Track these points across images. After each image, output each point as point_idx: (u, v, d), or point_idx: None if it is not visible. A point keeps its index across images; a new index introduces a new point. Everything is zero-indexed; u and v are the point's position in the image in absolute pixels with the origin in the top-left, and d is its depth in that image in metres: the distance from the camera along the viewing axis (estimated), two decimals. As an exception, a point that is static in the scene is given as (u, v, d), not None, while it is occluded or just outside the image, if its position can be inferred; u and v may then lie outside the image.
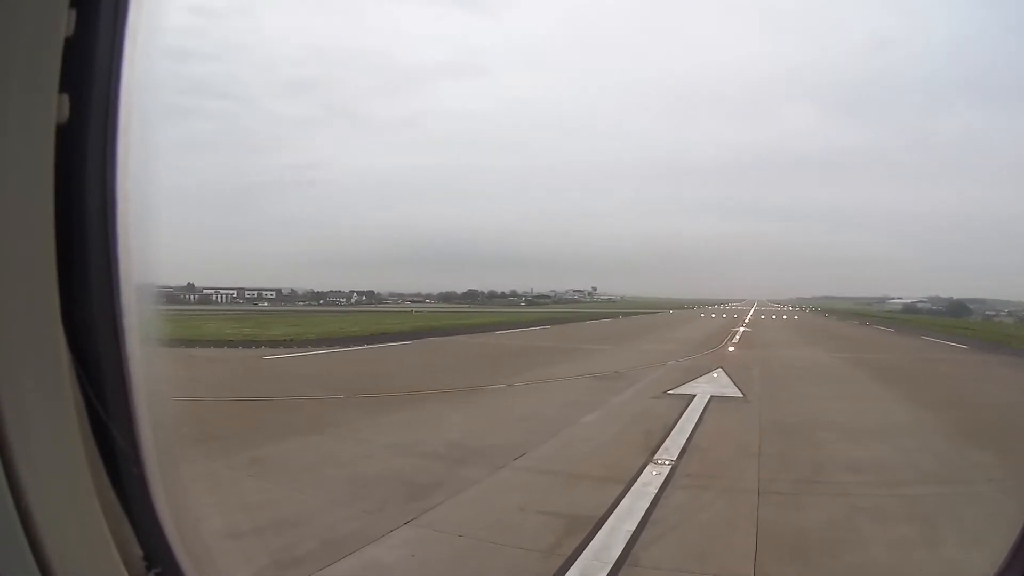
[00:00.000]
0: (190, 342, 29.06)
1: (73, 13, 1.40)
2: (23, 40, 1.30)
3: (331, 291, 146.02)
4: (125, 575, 1.58)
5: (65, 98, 1.41)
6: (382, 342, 32.50)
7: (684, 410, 13.43)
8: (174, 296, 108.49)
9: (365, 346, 30.56)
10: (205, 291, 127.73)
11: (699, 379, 18.51)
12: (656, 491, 8.02)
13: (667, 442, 10.59)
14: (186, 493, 2.63)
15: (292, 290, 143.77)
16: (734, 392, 16.30)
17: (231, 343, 29.88)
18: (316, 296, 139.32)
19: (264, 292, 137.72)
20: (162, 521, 1.70)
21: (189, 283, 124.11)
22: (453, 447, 10.51)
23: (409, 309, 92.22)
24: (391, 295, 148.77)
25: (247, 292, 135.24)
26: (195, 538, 2.00)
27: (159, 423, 1.72)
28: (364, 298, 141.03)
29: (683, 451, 10.05)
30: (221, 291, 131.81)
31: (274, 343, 30.05)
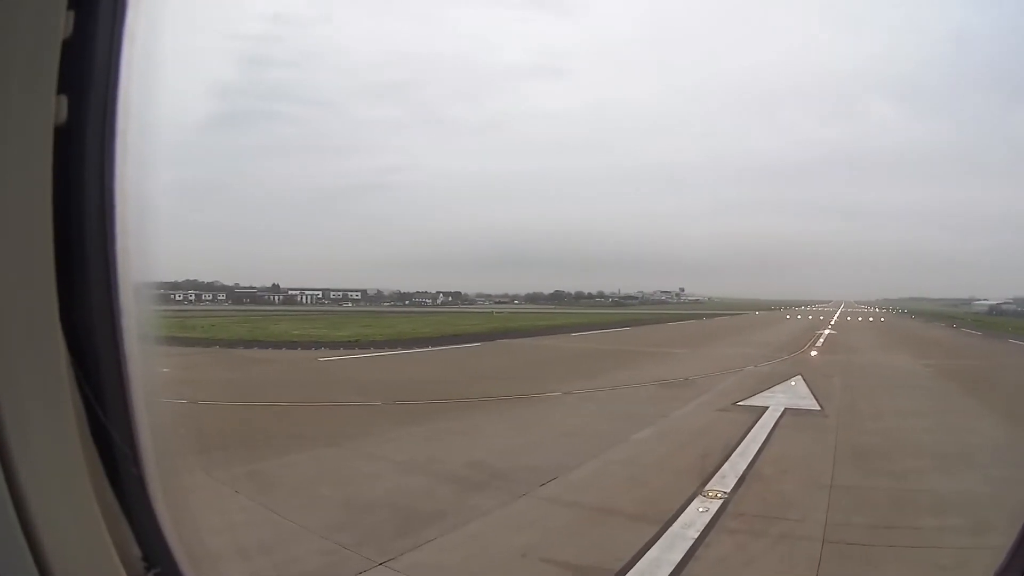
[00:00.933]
0: (248, 343, 29.55)
1: (71, 15, 1.43)
2: (22, 42, 1.34)
3: (417, 292, 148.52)
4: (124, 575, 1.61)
5: (63, 99, 1.44)
6: (449, 344, 32.00)
7: (751, 426, 11.96)
8: (259, 297, 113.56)
9: (429, 348, 30.04)
10: (290, 292, 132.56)
11: (774, 388, 17.02)
12: (697, 536, 6.58)
13: (724, 467, 9.15)
14: (185, 494, 2.60)
15: (379, 291, 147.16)
16: (811, 405, 14.72)
17: (292, 344, 29.94)
18: (402, 297, 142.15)
19: (349, 293, 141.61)
20: (161, 522, 1.72)
21: (274, 284, 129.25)
22: (476, 467, 9.39)
23: (490, 310, 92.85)
24: (479, 296, 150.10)
25: (332, 293, 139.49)
26: (194, 539, 2.02)
27: (158, 424, 1.74)
28: (450, 299, 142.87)
29: (741, 480, 8.58)
30: (306, 292, 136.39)
31: (336, 344, 29.99)
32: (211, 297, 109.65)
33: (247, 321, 51.28)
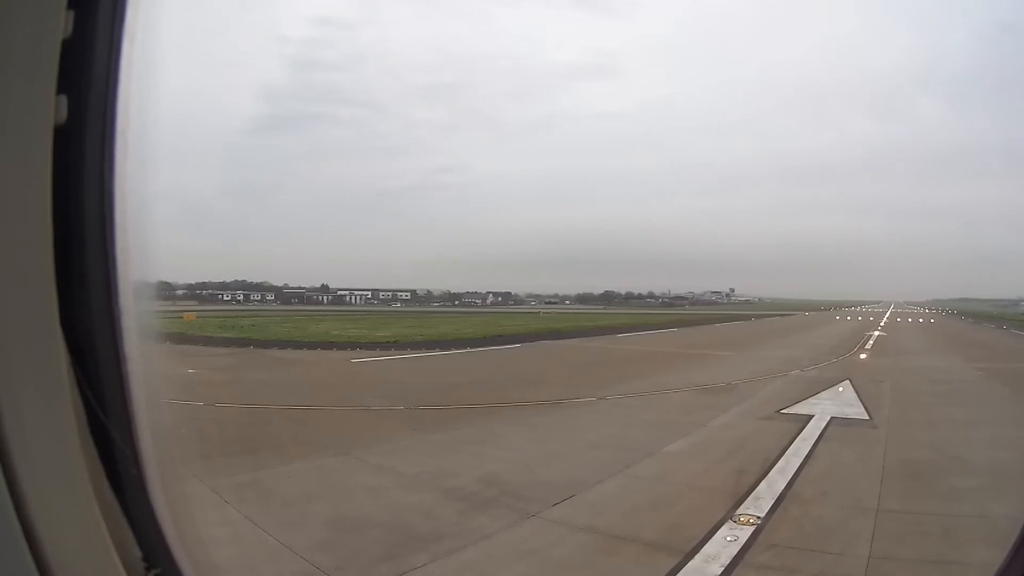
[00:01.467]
0: (284, 343, 29.63)
1: (71, 14, 1.43)
2: (21, 41, 1.34)
3: (467, 292, 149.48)
4: None
5: (63, 99, 1.44)
6: (489, 345, 31.75)
7: (794, 438, 11.08)
8: (308, 297, 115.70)
9: (467, 349, 29.68)
10: (339, 292, 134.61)
11: (821, 394, 16.02)
12: (720, 572, 5.75)
13: (761, 487, 8.31)
14: (185, 494, 2.61)
15: (428, 291, 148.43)
16: (859, 413, 13.73)
17: (328, 344, 29.85)
18: (452, 297, 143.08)
19: (399, 293, 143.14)
20: (161, 522, 1.72)
21: (323, 285, 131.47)
22: (488, 482, 8.73)
23: (537, 311, 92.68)
24: (529, 296, 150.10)
25: (382, 293, 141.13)
26: (194, 539, 1.99)
27: (158, 425, 1.74)
28: (500, 299, 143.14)
29: (777, 503, 7.72)
30: (355, 292, 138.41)
31: (373, 345, 29.92)
32: (259, 297, 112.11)
33: (289, 321, 51.87)
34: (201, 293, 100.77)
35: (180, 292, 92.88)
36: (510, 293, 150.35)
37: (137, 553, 1.67)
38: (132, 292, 1.64)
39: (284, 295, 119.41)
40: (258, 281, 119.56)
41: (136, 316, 1.65)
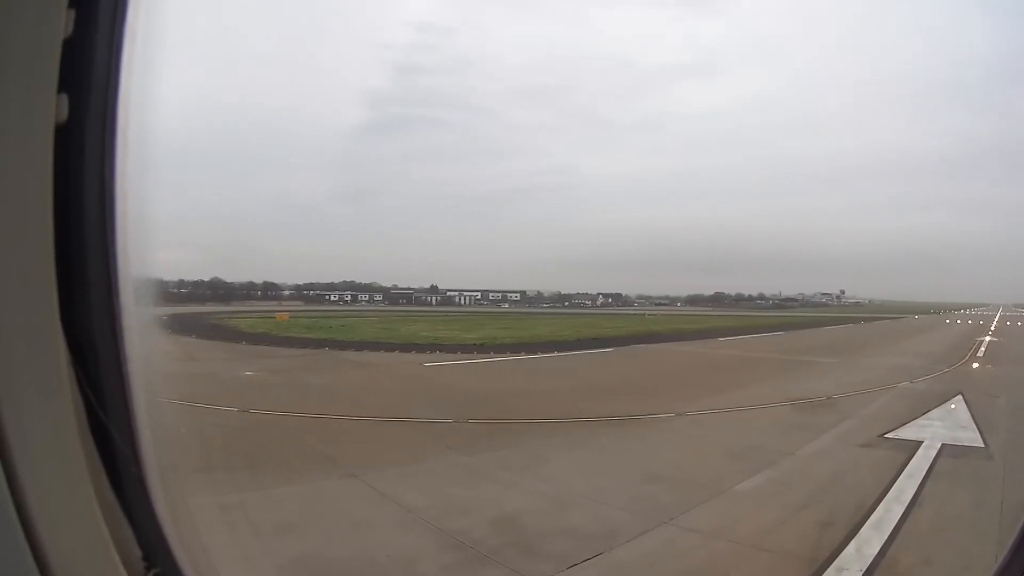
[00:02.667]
0: (363, 344, 29.21)
1: (72, 14, 1.44)
2: (22, 40, 1.35)
3: (577, 293, 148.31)
4: (124, 575, 1.60)
5: (64, 98, 1.44)
6: (581, 349, 30.33)
7: (897, 474, 9.20)
8: (416, 298, 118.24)
9: (555, 353, 28.21)
10: (448, 293, 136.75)
11: (931, 413, 13.94)
12: None
13: (848, 551, 6.49)
14: (185, 494, 2.55)
15: (539, 292, 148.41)
16: (973, 439, 11.69)
17: (409, 346, 29.25)
18: (562, 299, 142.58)
19: (508, 294, 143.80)
20: (161, 522, 1.73)
21: (432, 286, 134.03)
22: (501, 526, 7.35)
23: (643, 312, 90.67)
24: (639, 298, 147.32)
25: (491, 294, 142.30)
26: (194, 538, 2.02)
27: (158, 424, 1.75)
28: (610, 301, 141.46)
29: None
30: (464, 293, 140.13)
31: (457, 347, 29.11)
32: (367, 298, 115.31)
33: (384, 322, 52.16)
34: (308, 294, 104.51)
35: (287, 293, 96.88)
36: (620, 294, 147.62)
37: (137, 552, 1.66)
38: (132, 291, 1.65)
39: (392, 296, 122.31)
40: (367, 282, 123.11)
41: (136, 315, 1.66)
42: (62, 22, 1.40)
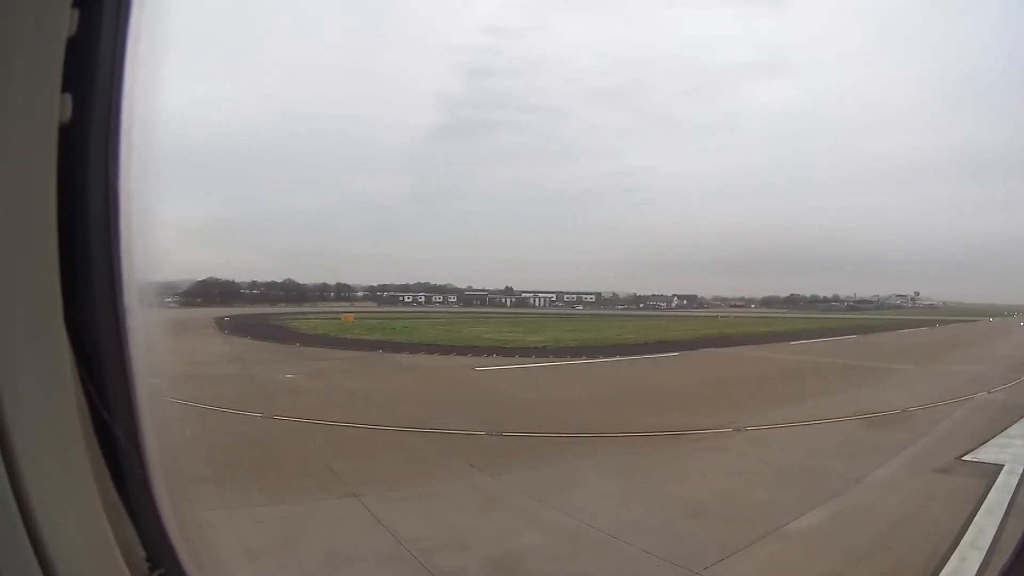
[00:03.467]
0: (417, 346, 28.69)
1: (76, 13, 1.43)
2: (26, 40, 1.34)
3: (652, 295, 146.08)
4: None
5: (68, 98, 1.42)
6: (645, 352, 29.21)
7: (976, 509, 7.91)
8: (491, 299, 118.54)
9: (616, 358, 27.20)
10: (523, 295, 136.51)
11: (1010, 430, 12.55)
12: None
13: None
14: (189, 494, 2.68)
15: (614, 294, 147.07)
16: None
17: (468, 349, 28.68)
18: (637, 300, 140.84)
19: (583, 296, 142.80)
20: (165, 522, 1.72)
21: (507, 287, 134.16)
22: (499, 569, 6.32)
23: (716, 314, 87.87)
24: (715, 299, 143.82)
25: (566, 296, 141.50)
26: (198, 539, 2.09)
27: (163, 425, 1.76)
28: (685, 302, 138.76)
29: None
30: (540, 295, 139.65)
31: (515, 350, 28.36)
32: (441, 299, 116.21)
33: (450, 323, 51.83)
34: (382, 295, 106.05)
35: (360, 294, 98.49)
36: (695, 296, 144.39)
37: (141, 553, 1.65)
38: (136, 291, 1.63)
39: (466, 297, 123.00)
40: (441, 283, 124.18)
41: (140, 315, 1.65)
42: (66, 21, 1.39)
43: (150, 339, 1.73)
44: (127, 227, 1.58)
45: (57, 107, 1.38)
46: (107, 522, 1.53)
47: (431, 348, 28.43)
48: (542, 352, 28.13)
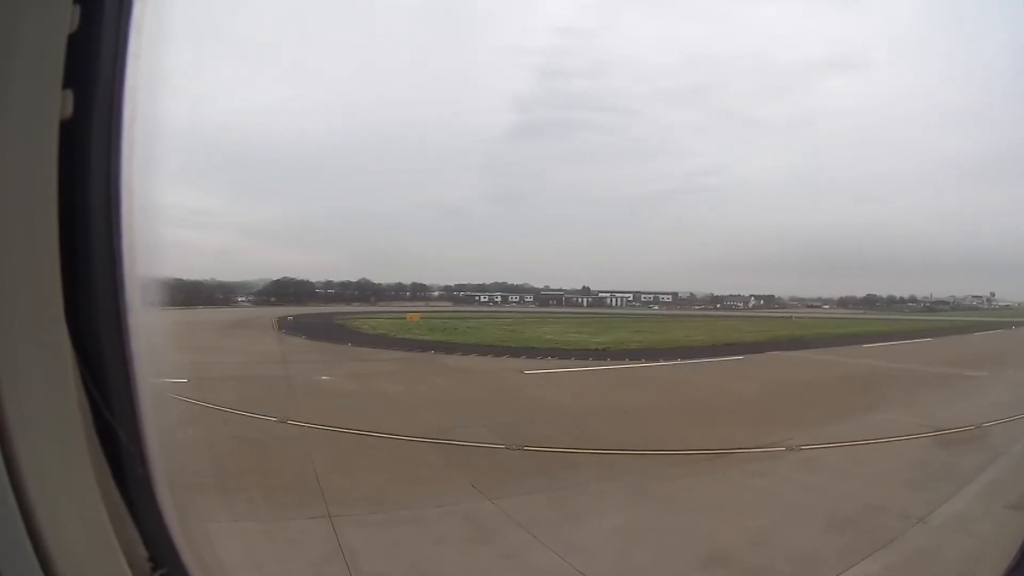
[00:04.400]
0: (471, 347, 27.93)
1: (77, 9, 1.41)
2: (28, 35, 1.32)
3: (730, 295, 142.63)
4: None
5: (69, 94, 1.40)
6: (709, 356, 27.68)
7: None
8: (567, 299, 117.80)
9: (677, 361, 25.92)
10: (600, 295, 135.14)
11: None
12: None
13: None
14: (191, 494, 2.47)
15: (691, 294, 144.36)
16: None
17: (523, 350, 27.72)
18: (714, 300, 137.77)
19: (660, 296, 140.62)
20: (167, 522, 1.70)
21: (584, 287, 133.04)
22: None
23: (790, 315, 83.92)
24: (792, 300, 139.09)
25: (643, 296, 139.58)
26: (201, 539, 2.01)
27: (165, 424, 1.73)
28: (762, 303, 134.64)
29: None
30: (616, 295, 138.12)
31: (572, 353, 27.29)
32: (517, 299, 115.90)
33: (518, 323, 50.88)
34: (458, 295, 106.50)
35: (436, 294, 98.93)
36: (773, 296, 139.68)
37: (143, 553, 1.61)
38: (138, 289, 1.60)
39: (542, 297, 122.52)
40: (518, 283, 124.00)
41: (142, 313, 1.61)
42: (68, 17, 1.36)
43: (152, 337, 1.69)
44: (129, 224, 1.55)
45: (59, 103, 1.35)
46: (109, 522, 1.50)
47: (486, 349, 27.73)
48: (600, 355, 27.02)
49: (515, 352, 26.86)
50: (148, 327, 1.63)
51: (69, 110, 1.37)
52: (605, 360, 25.04)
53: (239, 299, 71.95)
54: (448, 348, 27.96)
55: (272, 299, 71.97)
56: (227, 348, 24.98)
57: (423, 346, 28.25)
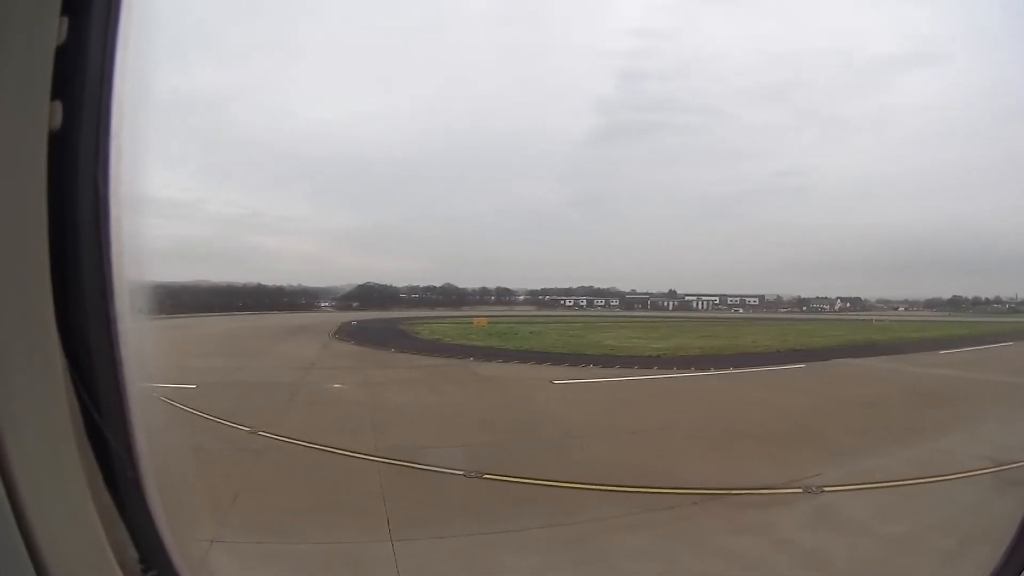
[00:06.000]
0: (513, 354, 26.90)
1: (65, 21, 1.41)
2: (16, 47, 1.32)
3: (816, 297, 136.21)
4: None
5: (58, 105, 1.41)
6: (771, 364, 25.33)
7: None
8: (653, 303, 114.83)
9: (731, 370, 23.93)
10: (687, 297, 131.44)
11: None
12: None
13: None
14: (181, 496, 2.44)
15: (778, 296, 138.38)
16: None
17: (568, 357, 26.47)
18: (800, 303, 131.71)
19: (747, 298, 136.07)
20: (158, 524, 1.70)
21: (671, 290, 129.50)
22: None
23: (870, 318, 77.76)
24: (879, 301, 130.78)
25: (729, 298, 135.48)
26: (191, 541, 2.14)
27: (154, 427, 1.74)
28: (848, 304, 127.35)
29: None
30: (703, 298, 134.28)
31: (622, 360, 25.85)
32: (603, 303, 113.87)
33: (585, 327, 49.08)
34: (543, 299, 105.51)
35: (521, 298, 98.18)
36: (859, 298, 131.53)
37: (134, 555, 1.61)
38: (127, 296, 1.60)
39: (627, 300, 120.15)
40: (605, 287, 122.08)
41: (131, 319, 1.62)
42: (55, 29, 1.36)
43: (142, 342, 1.68)
44: (117, 233, 1.55)
45: (47, 114, 1.35)
46: (100, 524, 1.49)
47: (531, 356, 26.80)
48: (650, 362, 25.46)
49: (559, 359, 25.84)
50: (137, 332, 1.62)
51: (58, 121, 1.37)
52: (651, 369, 23.61)
53: (322, 304, 73.44)
54: (491, 354, 27.17)
55: (355, 304, 73.05)
56: (262, 352, 24.99)
57: (467, 352, 27.37)
